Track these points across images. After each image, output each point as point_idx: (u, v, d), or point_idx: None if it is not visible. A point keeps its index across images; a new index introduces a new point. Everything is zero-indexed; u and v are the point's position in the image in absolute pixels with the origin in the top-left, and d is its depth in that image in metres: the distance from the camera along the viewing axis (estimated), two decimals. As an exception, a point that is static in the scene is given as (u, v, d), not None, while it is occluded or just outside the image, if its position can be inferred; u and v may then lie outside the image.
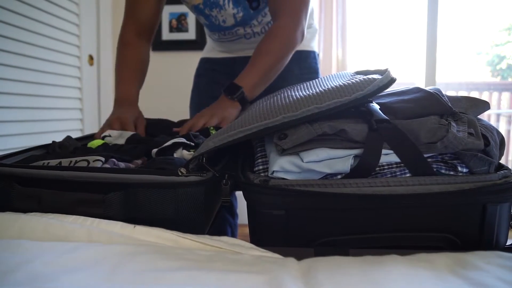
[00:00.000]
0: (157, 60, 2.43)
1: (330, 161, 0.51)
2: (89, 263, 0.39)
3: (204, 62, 1.29)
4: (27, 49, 1.73)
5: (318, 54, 1.23)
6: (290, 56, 0.98)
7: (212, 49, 1.26)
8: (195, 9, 1.08)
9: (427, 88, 0.62)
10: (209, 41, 1.28)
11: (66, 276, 0.36)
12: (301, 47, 1.12)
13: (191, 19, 2.36)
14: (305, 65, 1.17)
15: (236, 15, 1.03)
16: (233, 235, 1.20)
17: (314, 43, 1.21)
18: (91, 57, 2.24)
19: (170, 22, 2.39)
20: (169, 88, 2.43)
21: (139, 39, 1.05)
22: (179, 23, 2.39)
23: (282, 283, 0.37)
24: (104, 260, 0.40)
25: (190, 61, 2.55)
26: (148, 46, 1.08)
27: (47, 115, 1.89)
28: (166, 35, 2.38)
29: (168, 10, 2.38)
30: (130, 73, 1.00)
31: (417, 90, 0.63)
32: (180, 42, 2.39)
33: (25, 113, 1.75)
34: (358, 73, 0.73)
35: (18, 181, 0.53)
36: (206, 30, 1.21)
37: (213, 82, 1.23)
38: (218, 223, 1.15)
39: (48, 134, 1.87)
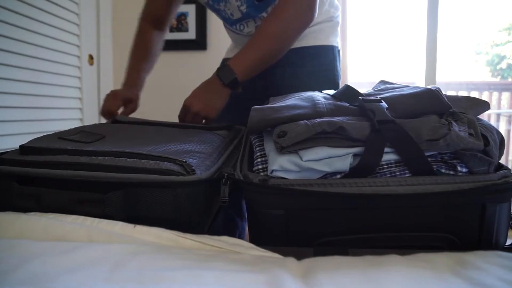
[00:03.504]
0: (157, 60, 2.43)
1: (329, 159, 0.51)
2: (89, 263, 0.39)
3: (224, 62, 1.26)
4: (27, 49, 1.73)
5: (339, 50, 1.13)
6: (294, 39, 0.94)
7: (232, 49, 1.24)
8: (207, 5, 1.09)
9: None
10: (231, 41, 1.27)
11: (66, 276, 0.36)
12: (317, 41, 1.07)
13: (191, 19, 2.36)
14: (320, 61, 1.08)
15: (240, 7, 1.01)
16: (240, 238, 1.18)
17: (334, 37, 1.11)
18: (91, 57, 2.24)
19: (170, 22, 2.39)
20: (169, 87, 2.43)
21: (152, 28, 1.20)
22: (179, 23, 2.39)
23: (282, 283, 0.37)
24: (104, 260, 0.40)
25: (190, 61, 2.55)
26: (161, 34, 1.25)
27: (47, 115, 1.89)
28: (166, 35, 2.38)
29: (168, 10, 2.38)
30: (135, 61, 1.16)
31: (417, 87, 0.63)
32: (180, 42, 2.38)
33: (25, 113, 1.75)
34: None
35: (18, 180, 0.53)
36: (225, 27, 1.20)
37: None
38: (228, 227, 1.14)
39: (48, 133, 1.87)
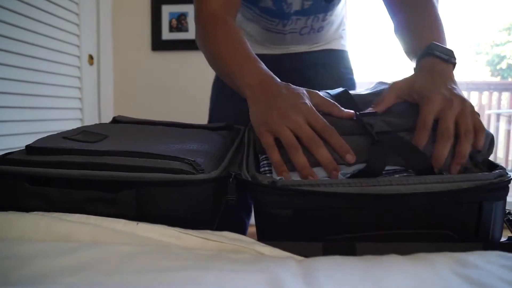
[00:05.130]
0: (157, 60, 2.43)
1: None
2: (90, 263, 0.39)
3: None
4: (27, 49, 1.73)
5: None
6: None
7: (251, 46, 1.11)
8: None
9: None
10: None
11: (66, 276, 0.36)
12: (341, 47, 1.12)
13: (191, 19, 2.36)
14: (346, 64, 1.13)
15: (305, 1, 0.95)
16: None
17: (347, 44, 1.19)
18: (91, 57, 2.24)
19: (170, 22, 2.39)
20: (168, 88, 2.43)
21: (227, 16, 0.81)
22: (179, 23, 2.39)
23: (282, 283, 0.37)
24: (105, 260, 0.40)
25: (190, 61, 2.55)
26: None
27: (47, 115, 1.89)
28: (166, 35, 2.39)
29: (168, 10, 2.38)
30: (247, 51, 0.73)
31: None
32: (180, 42, 2.39)
33: (25, 113, 1.75)
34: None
35: (27, 179, 0.53)
36: (250, 21, 1.05)
37: None
38: (235, 225, 1.09)
39: (48, 134, 1.88)
